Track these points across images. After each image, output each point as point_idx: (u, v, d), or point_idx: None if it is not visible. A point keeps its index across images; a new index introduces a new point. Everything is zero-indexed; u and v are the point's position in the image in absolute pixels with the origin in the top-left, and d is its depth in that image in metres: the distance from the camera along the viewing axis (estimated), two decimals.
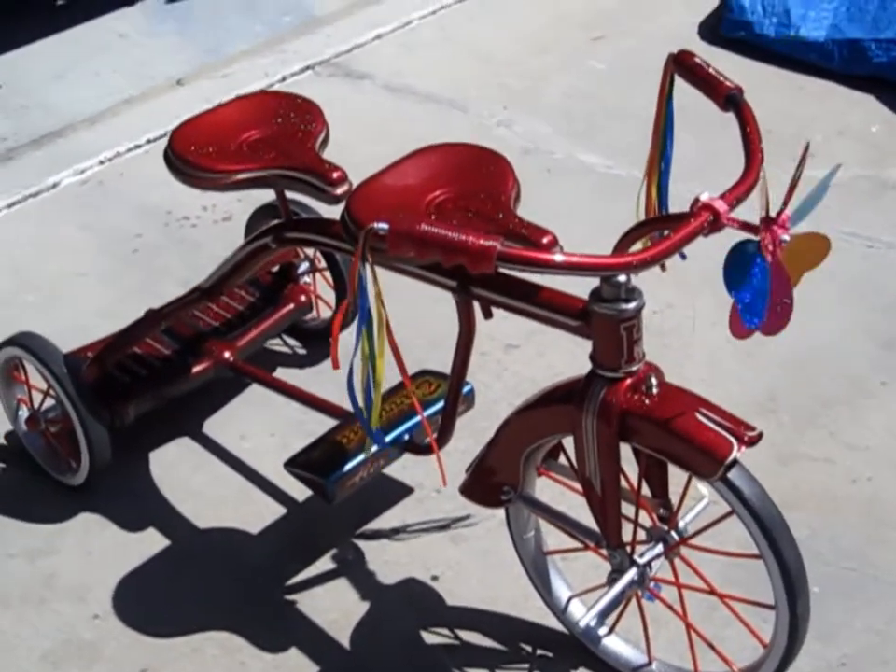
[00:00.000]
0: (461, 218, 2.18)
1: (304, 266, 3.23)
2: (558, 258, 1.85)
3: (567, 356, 3.12)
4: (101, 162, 4.24)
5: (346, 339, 2.17)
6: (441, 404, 2.54)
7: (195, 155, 2.57)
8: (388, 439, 2.60)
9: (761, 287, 1.89)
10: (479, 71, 4.66)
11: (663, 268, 2.23)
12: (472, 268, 1.84)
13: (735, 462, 2.00)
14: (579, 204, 3.81)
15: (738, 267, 1.89)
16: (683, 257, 2.06)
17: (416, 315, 3.28)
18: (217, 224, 3.87)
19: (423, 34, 4.92)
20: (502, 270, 1.99)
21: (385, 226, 1.86)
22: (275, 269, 3.23)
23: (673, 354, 3.19)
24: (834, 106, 4.28)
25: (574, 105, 4.41)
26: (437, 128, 4.07)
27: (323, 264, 3.24)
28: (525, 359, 3.24)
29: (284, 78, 4.66)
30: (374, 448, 2.55)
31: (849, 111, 4.25)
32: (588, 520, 2.28)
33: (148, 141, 4.29)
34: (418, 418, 2.64)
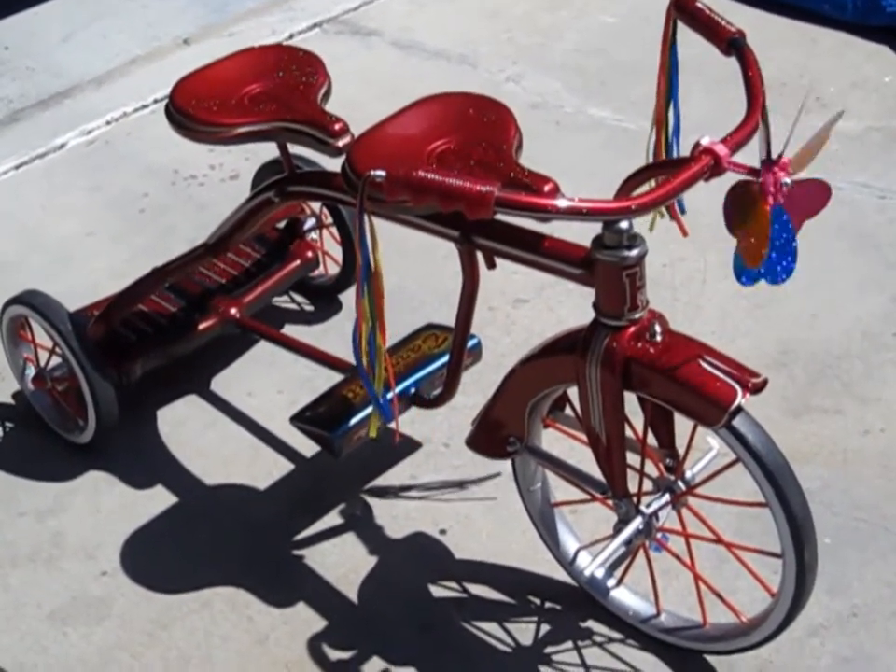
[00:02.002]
0: (463, 167, 2.17)
1: (311, 222, 3.21)
2: (558, 202, 1.83)
3: (576, 310, 3.11)
4: (108, 123, 4.24)
5: (349, 298, 2.15)
6: (446, 357, 2.53)
7: (197, 109, 2.55)
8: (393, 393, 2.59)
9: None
10: (488, 26, 4.63)
11: (684, 233, 2.18)
12: (470, 214, 1.81)
13: (739, 409, 1.98)
14: (588, 158, 3.78)
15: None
16: (683, 210, 2.04)
17: (425, 270, 3.27)
18: (224, 183, 3.86)
19: None
20: (505, 219, 1.98)
21: (381, 173, 1.85)
22: (282, 225, 3.22)
23: (683, 307, 3.17)
24: (848, 58, 4.23)
25: (583, 59, 4.37)
26: (446, 84, 3.99)
27: (330, 220, 3.22)
28: (534, 314, 3.22)
29: (291, 36, 4.64)
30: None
31: (863, 63, 4.20)
32: (594, 471, 2.26)
33: (155, 101, 4.28)
34: (424, 371, 2.63)
